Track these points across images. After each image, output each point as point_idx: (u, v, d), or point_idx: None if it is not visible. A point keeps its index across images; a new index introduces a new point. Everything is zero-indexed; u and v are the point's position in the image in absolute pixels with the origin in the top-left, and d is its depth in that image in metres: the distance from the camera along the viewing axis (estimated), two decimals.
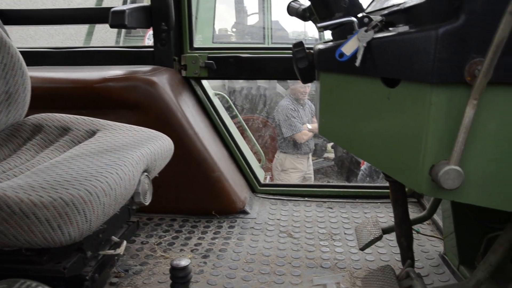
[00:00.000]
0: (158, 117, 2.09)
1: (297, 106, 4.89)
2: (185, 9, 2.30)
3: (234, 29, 7.30)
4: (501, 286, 1.29)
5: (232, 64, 2.31)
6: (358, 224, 1.80)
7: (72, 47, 2.56)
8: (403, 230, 1.41)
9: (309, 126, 4.87)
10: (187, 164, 2.14)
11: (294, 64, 1.15)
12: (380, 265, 1.42)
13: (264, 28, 6.19)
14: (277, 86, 5.82)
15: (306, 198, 2.43)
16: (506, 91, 0.76)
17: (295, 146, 4.90)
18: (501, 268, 1.40)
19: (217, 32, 6.87)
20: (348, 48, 0.89)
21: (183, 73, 2.33)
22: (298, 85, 4.78)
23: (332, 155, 6.51)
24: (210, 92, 2.55)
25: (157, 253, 1.88)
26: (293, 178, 4.99)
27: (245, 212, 2.24)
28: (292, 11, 1.38)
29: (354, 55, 0.89)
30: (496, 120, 0.77)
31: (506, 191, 0.81)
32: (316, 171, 5.99)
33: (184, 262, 1.55)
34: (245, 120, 5.22)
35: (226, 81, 5.66)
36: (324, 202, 2.40)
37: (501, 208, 0.83)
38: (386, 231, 1.65)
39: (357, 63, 0.87)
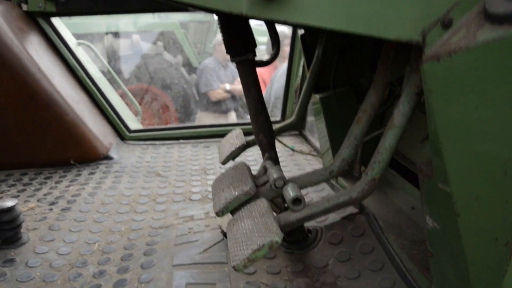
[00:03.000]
0: None
1: (218, 66, 4.74)
2: None
3: None
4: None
5: None
6: (221, 140, 1.58)
7: None
8: (260, 123, 1.22)
9: (228, 87, 4.72)
10: (32, 108, 1.84)
11: None
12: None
13: None
14: (164, 53, 5.45)
15: (181, 141, 2.24)
16: None
17: (213, 104, 4.72)
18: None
19: None
20: None
21: (24, 7, 2.00)
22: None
23: None
24: (68, 37, 2.24)
25: None
26: None
27: (110, 158, 1.99)
28: None
29: None
30: None
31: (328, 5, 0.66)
32: None
33: (10, 203, 1.29)
34: (139, 89, 4.92)
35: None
36: (201, 142, 2.22)
37: (320, 26, 0.68)
38: (250, 143, 1.47)
39: None
